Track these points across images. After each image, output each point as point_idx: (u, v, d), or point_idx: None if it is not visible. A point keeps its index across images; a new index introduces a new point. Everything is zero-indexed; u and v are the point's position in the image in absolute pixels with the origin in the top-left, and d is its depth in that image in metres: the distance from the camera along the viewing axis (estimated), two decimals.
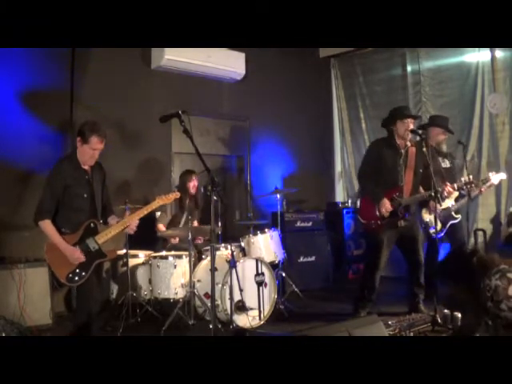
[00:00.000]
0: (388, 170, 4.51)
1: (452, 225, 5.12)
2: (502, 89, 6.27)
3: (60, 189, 3.48)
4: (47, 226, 3.44)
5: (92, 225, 3.55)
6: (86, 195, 3.56)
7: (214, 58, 6.06)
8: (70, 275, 3.44)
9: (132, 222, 3.65)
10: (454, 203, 5.09)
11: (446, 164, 5.24)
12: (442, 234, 5.16)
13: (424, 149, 4.24)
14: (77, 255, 3.44)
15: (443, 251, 6.04)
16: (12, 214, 4.85)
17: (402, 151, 4.54)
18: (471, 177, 4.44)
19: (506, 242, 5.97)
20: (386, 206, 4.41)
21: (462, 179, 4.43)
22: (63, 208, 3.51)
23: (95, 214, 3.62)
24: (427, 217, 5.00)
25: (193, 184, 5.32)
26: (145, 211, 3.71)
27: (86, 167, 3.60)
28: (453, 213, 5.09)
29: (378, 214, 4.49)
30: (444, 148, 5.32)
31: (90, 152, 3.52)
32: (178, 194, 3.99)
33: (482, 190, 5.08)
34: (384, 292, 4.67)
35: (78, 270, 3.44)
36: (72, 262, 3.43)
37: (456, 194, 5.09)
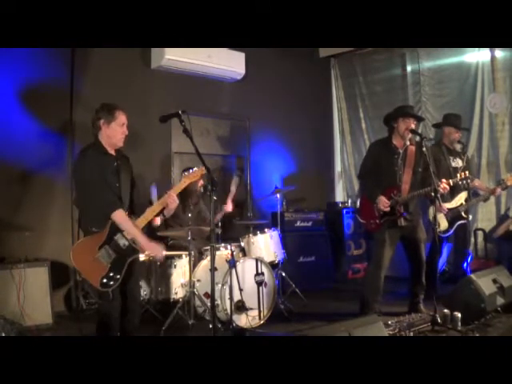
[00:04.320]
0: (386, 170, 4.53)
1: (460, 225, 5.13)
2: (502, 89, 6.28)
3: (101, 177, 3.14)
4: (123, 216, 3.13)
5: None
6: (117, 184, 3.27)
7: (214, 58, 6.05)
8: (104, 280, 3.13)
9: (162, 206, 3.38)
10: (464, 203, 5.10)
11: (456, 163, 5.26)
12: (449, 234, 5.17)
13: (424, 148, 4.26)
14: (157, 247, 3.23)
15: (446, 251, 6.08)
16: (12, 213, 4.85)
17: (401, 151, 4.55)
18: (467, 172, 4.47)
19: (501, 238, 6.00)
20: (383, 201, 4.43)
21: (458, 175, 4.46)
22: (92, 202, 3.19)
23: (126, 205, 3.31)
24: (431, 215, 5.02)
25: (200, 182, 5.31)
26: (173, 193, 3.42)
27: (112, 152, 3.32)
28: (462, 213, 5.11)
29: (376, 213, 4.52)
30: (458, 147, 5.35)
31: (120, 129, 3.28)
32: (203, 169, 3.52)
33: (497, 191, 5.10)
34: (384, 292, 4.67)
35: (111, 274, 3.14)
36: (153, 254, 3.20)
37: (465, 194, 5.11)
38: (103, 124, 3.27)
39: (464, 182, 4.45)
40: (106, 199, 3.17)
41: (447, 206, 4.99)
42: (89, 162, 3.20)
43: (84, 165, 3.22)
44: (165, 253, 4.73)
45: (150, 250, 3.19)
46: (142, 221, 3.30)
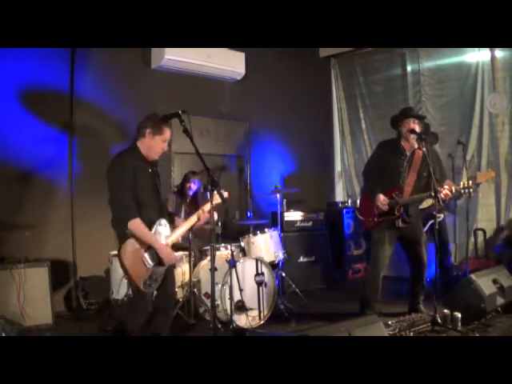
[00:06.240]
0: (391, 170, 4.54)
1: (433, 224, 5.17)
2: (501, 89, 6.27)
3: (129, 182, 3.15)
4: (139, 225, 3.11)
5: (163, 224, 3.32)
6: (150, 188, 3.30)
7: (214, 58, 6.06)
8: (148, 282, 3.19)
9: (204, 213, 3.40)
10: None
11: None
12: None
13: (424, 149, 4.26)
14: (173, 254, 3.26)
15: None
16: (12, 213, 4.85)
17: (407, 153, 4.55)
18: (470, 182, 4.41)
19: (504, 244, 6.00)
20: (381, 199, 4.46)
21: (461, 183, 4.41)
22: (116, 205, 3.20)
23: (162, 211, 3.38)
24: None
25: (191, 185, 5.31)
26: (206, 208, 3.40)
27: (149, 160, 3.36)
28: (434, 212, 5.15)
29: (375, 211, 4.55)
30: None
31: (161, 144, 3.31)
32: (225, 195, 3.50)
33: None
34: (384, 292, 4.67)
35: (153, 277, 3.21)
36: (168, 261, 3.24)
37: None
38: (149, 134, 3.29)
39: (466, 190, 4.41)
40: (126, 205, 3.15)
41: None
42: (124, 163, 3.20)
43: (117, 165, 3.23)
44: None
45: (167, 259, 3.24)
46: (172, 236, 3.36)
